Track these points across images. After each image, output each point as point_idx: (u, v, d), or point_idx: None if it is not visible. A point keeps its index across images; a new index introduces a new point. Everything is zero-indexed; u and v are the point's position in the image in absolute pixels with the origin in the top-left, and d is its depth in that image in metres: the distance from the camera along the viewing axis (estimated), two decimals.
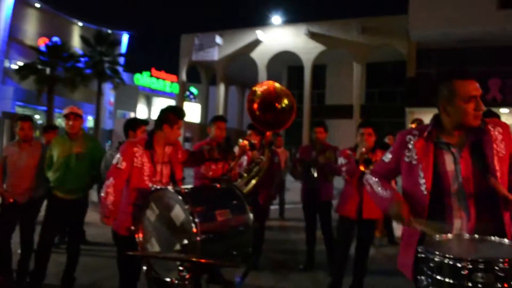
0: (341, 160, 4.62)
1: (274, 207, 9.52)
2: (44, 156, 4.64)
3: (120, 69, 32.54)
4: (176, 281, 2.30)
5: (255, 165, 3.99)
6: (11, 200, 4.57)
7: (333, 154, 5.36)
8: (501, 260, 1.74)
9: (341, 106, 25.56)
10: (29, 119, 4.86)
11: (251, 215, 3.24)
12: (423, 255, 1.93)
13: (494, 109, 4.87)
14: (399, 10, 22.46)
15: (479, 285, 1.73)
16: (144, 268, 3.11)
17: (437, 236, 2.07)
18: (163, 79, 45.34)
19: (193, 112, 37.44)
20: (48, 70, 27.86)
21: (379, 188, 2.44)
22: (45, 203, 4.71)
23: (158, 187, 3.16)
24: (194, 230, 2.79)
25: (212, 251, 2.88)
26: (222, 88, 29.24)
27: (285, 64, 27.88)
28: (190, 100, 42.62)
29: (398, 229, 7.13)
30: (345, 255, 4.57)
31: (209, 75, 31.45)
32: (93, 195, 5.16)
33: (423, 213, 2.21)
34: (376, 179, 2.50)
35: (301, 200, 5.89)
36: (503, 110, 17.68)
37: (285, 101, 3.65)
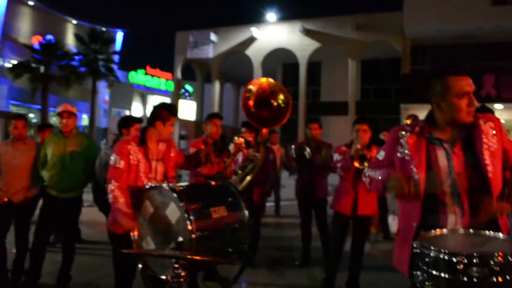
0: (336, 157, 4.62)
1: (269, 204, 9.53)
2: (39, 155, 4.61)
3: (114, 67, 32.42)
4: (172, 279, 2.29)
5: (250, 162, 3.99)
6: (6, 199, 4.54)
7: (329, 152, 5.37)
8: (495, 254, 1.75)
9: (336, 102, 25.59)
10: (23, 117, 4.83)
11: (246, 212, 3.24)
12: (418, 251, 1.94)
13: (489, 105, 4.89)
14: (394, 7, 22.47)
15: (474, 280, 1.74)
16: (140, 266, 3.11)
17: (433, 231, 2.08)
18: (158, 77, 45.20)
19: (188, 110, 37.36)
20: (42, 69, 27.71)
21: (375, 173, 2.42)
22: (41, 201, 4.70)
23: (153, 184, 3.16)
24: (189, 227, 2.79)
25: (208, 248, 2.88)
26: (217, 85, 29.19)
27: (280, 61, 27.86)
28: (185, 98, 42.48)
29: (393, 225, 7.16)
30: (338, 251, 4.58)
31: (204, 73, 31.39)
32: (88, 194, 5.13)
33: (417, 209, 2.22)
34: (372, 170, 2.49)
35: (295, 196, 5.90)
36: (497, 106, 17.76)
37: (281, 97, 3.64)
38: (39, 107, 29.10)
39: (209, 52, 27.96)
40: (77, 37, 31.47)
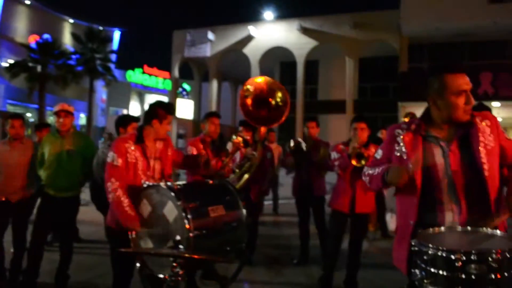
0: (334, 155, 4.63)
1: (267, 202, 9.54)
2: (36, 154, 4.60)
3: (112, 66, 32.30)
4: (169, 278, 2.28)
5: (247, 160, 3.99)
6: (3, 199, 4.53)
7: (327, 151, 5.38)
8: (493, 251, 1.75)
9: (334, 101, 25.60)
10: (20, 117, 4.82)
11: (244, 211, 3.24)
12: (416, 248, 1.94)
13: (486, 103, 4.90)
14: (391, 5, 22.44)
15: (473, 277, 1.75)
16: (138, 265, 3.10)
17: (431, 228, 2.08)
18: (156, 76, 45.10)
19: (186, 109, 37.31)
20: (39, 68, 27.60)
21: (375, 170, 2.41)
22: (39, 201, 4.69)
23: (151, 183, 3.15)
24: (187, 226, 2.79)
25: (206, 247, 2.88)
26: (215, 84, 29.16)
27: (278, 59, 27.85)
28: (183, 97, 42.42)
29: (391, 223, 7.17)
30: (336, 249, 4.58)
31: (201, 71, 31.35)
32: (85, 193, 5.13)
33: (415, 207, 2.22)
34: (370, 168, 2.49)
35: (292, 194, 5.91)
36: (495, 104, 17.79)
37: (279, 95, 3.63)
38: (36, 106, 28.99)
39: (207, 50, 27.92)
40: (74, 36, 31.33)
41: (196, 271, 4.16)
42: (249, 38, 26.79)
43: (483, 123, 2.23)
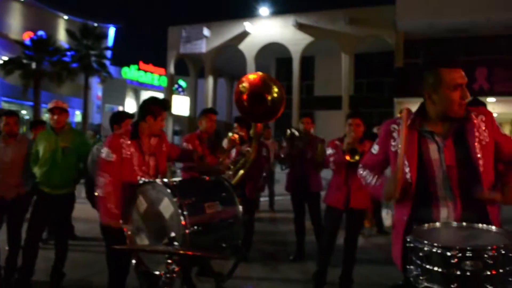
0: (329, 151, 4.63)
1: (264, 199, 9.54)
2: (30, 151, 4.58)
3: (107, 62, 32.19)
4: (165, 274, 2.27)
5: (242, 157, 3.98)
6: None
7: (323, 147, 5.39)
8: (489, 247, 1.75)
9: (330, 97, 25.60)
10: (14, 114, 4.79)
11: (240, 207, 3.23)
12: (411, 245, 1.94)
13: (481, 98, 4.90)
14: (386, 1, 22.46)
15: (468, 273, 1.74)
16: (134, 262, 3.09)
17: (426, 224, 2.08)
18: (151, 72, 44.98)
19: (182, 105, 37.23)
20: (33, 65, 27.49)
21: (371, 179, 2.46)
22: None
23: (146, 180, 3.14)
24: (183, 222, 2.77)
25: (202, 243, 2.87)
26: (210, 80, 29.11)
27: (274, 55, 27.81)
28: (178, 93, 42.32)
29: (387, 219, 7.19)
30: (330, 245, 4.58)
31: (197, 68, 31.27)
32: (80, 190, 5.11)
33: (409, 202, 2.23)
34: (367, 171, 2.51)
35: (285, 189, 5.93)
36: (490, 99, 17.85)
37: (275, 90, 3.62)
38: (31, 103, 28.87)
39: (202, 47, 27.85)
40: (69, 32, 31.18)
41: (192, 268, 4.16)
42: (244, 34, 26.73)
43: (478, 118, 2.23)
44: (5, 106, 30.99)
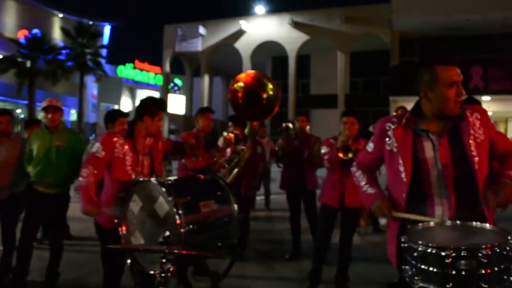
0: (324, 149, 4.63)
1: (259, 197, 9.54)
2: (24, 150, 4.55)
3: (102, 61, 32.07)
4: (159, 274, 2.26)
5: (236, 155, 3.97)
6: None
7: (319, 146, 5.40)
8: (483, 246, 1.75)
9: (326, 95, 25.62)
10: (7, 112, 4.76)
11: (235, 206, 3.22)
12: (406, 245, 1.93)
13: (476, 97, 4.91)
14: None
15: (463, 273, 1.74)
16: (129, 261, 3.08)
17: (420, 224, 2.08)
18: (147, 71, 44.80)
19: (177, 104, 37.15)
20: (28, 63, 27.33)
21: (364, 183, 2.46)
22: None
23: (141, 179, 3.12)
24: (178, 221, 2.76)
25: (197, 242, 2.86)
26: (206, 79, 29.07)
27: (269, 54, 27.80)
28: (174, 92, 42.25)
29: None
30: (325, 243, 4.58)
31: (193, 66, 31.22)
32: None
33: (404, 201, 2.22)
34: (361, 172, 2.51)
35: (279, 187, 5.94)
36: (485, 98, 17.91)
37: (270, 87, 3.61)
38: (26, 102, 28.72)
39: (198, 45, 27.81)
40: (64, 30, 31.02)
41: (187, 267, 4.15)
42: (240, 33, 26.71)
43: (473, 116, 2.23)
44: (0, 105, 30.84)
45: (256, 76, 3.69)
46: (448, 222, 2.09)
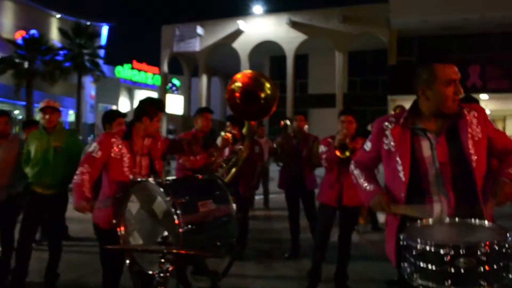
0: (321, 148, 4.63)
1: (258, 196, 9.54)
2: (22, 151, 4.54)
3: (100, 61, 32.03)
4: (158, 274, 2.26)
5: (234, 155, 3.97)
6: None
7: (318, 145, 5.41)
8: (482, 244, 1.75)
9: (324, 95, 25.62)
10: (4, 113, 4.75)
11: (234, 205, 3.22)
12: (405, 243, 1.93)
13: (474, 95, 4.92)
14: None
15: (462, 270, 1.74)
16: (127, 261, 3.08)
17: (419, 220, 2.08)
18: (145, 71, 44.81)
19: (175, 104, 37.13)
20: (26, 64, 27.31)
21: (362, 180, 2.46)
22: None
23: (139, 179, 3.12)
24: (176, 221, 2.76)
25: (196, 242, 2.86)
26: (204, 79, 29.04)
27: (268, 54, 27.78)
28: (172, 92, 42.23)
29: (382, 215, 7.20)
30: (324, 242, 4.58)
31: (191, 66, 31.19)
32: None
33: (402, 200, 2.22)
34: (359, 171, 2.51)
35: (278, 186, 5.95)
36: (483, 96, 17.94)
37: (267, 86, 3.61)
38: (24, 103, 28.68)
39: (196, 45, 27.78)
40: (61, 31, 30.96)
41: (186, 267, 4.15)
42: (238, 33, 26.68)
43: (471, 115, 2.23)
44: None
45: (253, 76, 3.69)
46: (447, 220, 2.09)
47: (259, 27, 26.24)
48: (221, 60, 28.87)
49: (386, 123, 2.37)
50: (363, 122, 5.13)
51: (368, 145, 2.51)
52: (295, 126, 5.79)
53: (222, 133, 4.14)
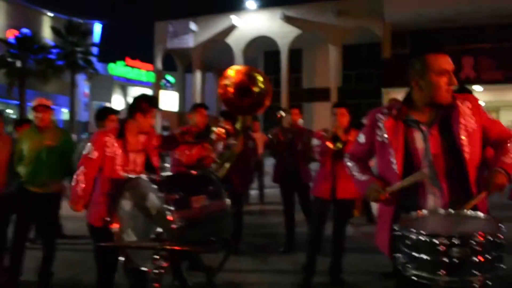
0: (315, 141, 4.63)
1: (253, 191, 9.54)
2: (14, 150, 4.50)
3: (93, 59, 31.90)
4: (152, 270, 2.25)
5: (227, 150, 3.96)
6: None
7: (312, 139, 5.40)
8: (476, 234, 1.75)
9: (319, 89, 25.60)
10: None
11: (228, 201, 3.21)
12: (399, 233, 1.93)
13: (468, 87, 4.92)
14: None
15: (456, 260, 1.74)
16: (122, 259, 3.06)
17: (413, 212, 2.08)
18: (139, 68, 44.66)
19: (170, 101, 37.02)
20: (18, 63, 27.16)
21: (357, 172, 2.46)
22: None
23: (132, 176, 3.11)
24: (170, 218, 2.75)
25: (190, 238, 2.85)
26: (198, 75, 28.94)
27: (261, 49, 27.70)
28: (166, 89, 42.07)
29: (376, 208, 7.21)
30: (318, 235, 4.59)
31: (185, 63, 31.06)
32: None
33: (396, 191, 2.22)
34: (353, 163, 2.51)
35: (272, 181, 5.94)
36: (477, 88, 17.98)
37: (260, 80, 3.60)
38: (17, 102, 28.53)
39: (189, 41, 27.68)
40: (54, 29, 30.80)
41: (181, 263, 4.14)
42: (232, 28, 26.59)
43: (464, 105, 2.23)
44: None
45: (245, 71, 3.68)
46: (441, 211, 2.08)
47: (253, 22, 26.16)
48: (215, 56, 28.75)
49: (379, 115, 2.36)
50: (358, 115, 5.12)
51: (361, 138, 2.50)
52: (290, 119, 5.78)
53: (215, 128, 4.12)
